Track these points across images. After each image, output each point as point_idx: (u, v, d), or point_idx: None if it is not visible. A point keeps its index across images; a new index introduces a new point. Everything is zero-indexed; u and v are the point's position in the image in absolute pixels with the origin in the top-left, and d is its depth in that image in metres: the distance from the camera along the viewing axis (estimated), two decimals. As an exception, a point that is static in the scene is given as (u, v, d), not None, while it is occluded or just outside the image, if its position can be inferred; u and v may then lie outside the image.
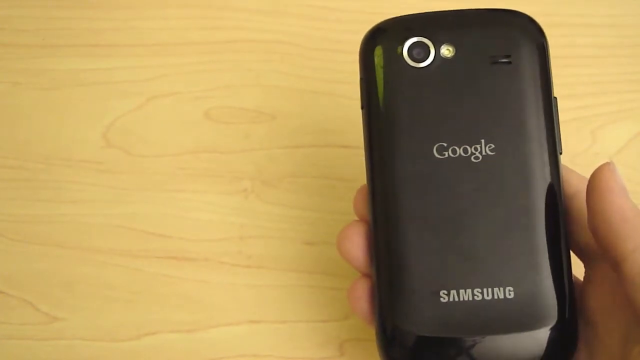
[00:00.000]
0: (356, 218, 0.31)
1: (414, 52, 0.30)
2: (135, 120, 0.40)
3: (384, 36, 0.30)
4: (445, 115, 0.29)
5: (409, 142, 0.29)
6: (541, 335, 0.27)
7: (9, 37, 0.42)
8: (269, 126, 0.40)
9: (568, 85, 0.39)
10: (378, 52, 0.30)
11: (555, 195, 0.29)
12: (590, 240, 0.28)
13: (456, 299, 0.28)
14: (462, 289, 0.28)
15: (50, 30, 0.42)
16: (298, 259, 0.38)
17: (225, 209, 0.39)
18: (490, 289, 0.28)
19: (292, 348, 0.36)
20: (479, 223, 0.28)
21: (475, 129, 0.29)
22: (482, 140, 0.29)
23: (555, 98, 0.30)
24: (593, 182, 0.27)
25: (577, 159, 0.38)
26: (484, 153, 0.29)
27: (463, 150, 0.29)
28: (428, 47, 0.30)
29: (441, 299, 0.28)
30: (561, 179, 0.29)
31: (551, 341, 0.27)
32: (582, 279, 0.30)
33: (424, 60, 0.30)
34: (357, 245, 0.30)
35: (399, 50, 0.30)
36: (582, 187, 0.28)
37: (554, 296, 0.28)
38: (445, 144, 0.29)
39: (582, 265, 0.30)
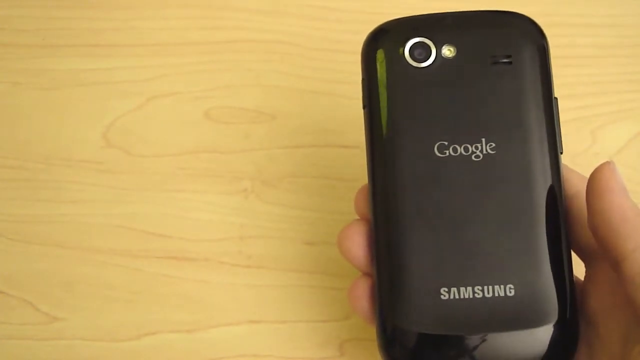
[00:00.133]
0: (357, 217, 0.31)
1: (416, 53, 0.30)
2: (135, 120, 0.40)
3: (385, 37, 0.30)
4: (446, 114, 0.29)
5: (410, 141, 0.29)
6: (542, 334, 0.27)
7: (9, 37, 0.42)
8: (269, 126, 0.40)
9: (568, 85, 0.39)
10: (380, 52, 0.30)
11: (555, 194, 0.29)
12: (591, 240, 0.28)
13: (457, 297, 0.28)
14: (462, 286, 0.28)
15: (50, 30, 0.42)
16: (298, 259, 0.38)
17: (225, 209, 0.39)
18: (490, 287, 0.28)
19: (292, 348, 0.36)
20: (480, 221, 0.28)
21: (476, 127, 0.29)
22: (483, 139, 0.29)
23: (556, 98, 0.30)
24: (593, 182, 0.27)
25: (577, 159, 0.38)
26: (484, 152, 0.29)
27: (464, 149, 0.29)
28: (429, 48, 0.30)
29: (442, 297, 0.28)
30: (562, 179, 0.29)
31: (552, 340, 0.27)
32: (582, 279, 0.30)
33: (425, 61, 0.30)
34: (357, 244, 0.30)
35: (401, 50, 0.30)
36: (583, 187, 0.28)
37: (555, 294, 0.28)
38: (446, 143, 0.29)
39: (583, 264, 0.30)
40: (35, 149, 0.40)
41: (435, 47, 0.30)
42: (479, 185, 0.29)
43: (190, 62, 0.41)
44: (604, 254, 0.27)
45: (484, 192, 0.29)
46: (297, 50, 0.41)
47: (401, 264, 0.29)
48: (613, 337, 0.28)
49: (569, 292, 0.28)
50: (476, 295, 0.28)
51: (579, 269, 0.30)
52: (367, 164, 0.30)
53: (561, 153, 0.29)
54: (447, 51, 0.30)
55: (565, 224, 0.29)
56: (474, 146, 0.29)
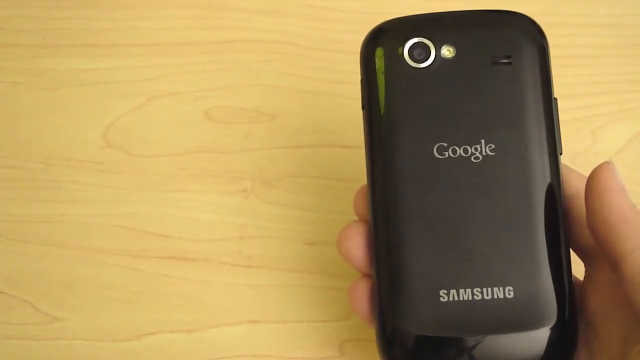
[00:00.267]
0: (356, 218, 0.31)
1: (415, 53, 0.30)
2: (135, 120, 0.40)
3: (384, 37, 0.30)
4: (445, 115, 0.29)
5: (410, 142, 0.29)
6: (541, 335, 0.27)
7: (9, 37, 0.42)
8: (269, 126, 0.40)
9: (568, 85, 0.39)
10: (379, 52, 0.30)
11: (555, 195, 0.29)
12: (591, 240, 0.28)
13: (456, 299, 0.28)
14: (461, 288, 0.28)
15: (50, 30, 0.42)
16: (298, 259, 0.38)
17: (225, 209, 0.39)
18: (490, 289, 0.28)
19: (292, 348, 0.36)
20: (479, 223, 0.28)
21: (476, 129, 0.29)
22: (482, 141, 0.29)
23: (556, 99, 0.30)
24: (592, 182, 0.27)
25: (577, 159, 0.38)
26: (484, 153, 0.29)
27: (463, 150, 0.29)
28: (429, 48, 0.30)
29: (441, 299, 0.28)
30: (561, 179, 0.29)
31: (551, 341, 0.27)
32: (582, 279, 0.30)
33: (424, 61, 0.30)
34: (357, 245, 0.30)
35: (400, 50, 0.30)
36: (583, 187, 0.28)
37: (554, 296, 0.28)
38: (445, 144, 0.29)
39: (583, 264, 0.30)
40: (35, 149, 0.40)
41: (435, 47, 0.30)
42: (479, 187, 0.29)
43: (190, 62, 0.41)
44: (603, 254, 0.27)
45: (483, 194, 0.29)
46: (297, 50, 0.41)
47: (400, 265, 0.29)
48: (612, 337, 0.28)
49: (568, 294, 0.28)
50: (475, 297, 0.28)
51: (578, 269, 0.30)
52: (366, 165, 0.30)
53: (560, 154, 0.29)
54: (447, 51, 0.30)
55: (565, 225, 0.29)
56: (473, 147, 0.29)
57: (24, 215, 0.39)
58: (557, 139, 0.29)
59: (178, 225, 0.38)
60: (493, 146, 0.29)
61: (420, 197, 0.29)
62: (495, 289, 0.28)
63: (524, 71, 0.29)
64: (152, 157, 0.39)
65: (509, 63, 0.29)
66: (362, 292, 0.30)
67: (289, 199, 0.39)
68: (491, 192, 0.29)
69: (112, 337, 0.37)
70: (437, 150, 0.29)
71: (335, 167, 0.39)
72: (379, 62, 0.30)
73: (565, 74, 0.39)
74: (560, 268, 0.28)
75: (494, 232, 0.28)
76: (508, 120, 0.29)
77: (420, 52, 0.30)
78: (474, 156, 0.29)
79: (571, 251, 0.29)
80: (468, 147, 0.29)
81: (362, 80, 0.31)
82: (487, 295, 0.28)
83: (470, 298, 0.28)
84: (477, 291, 0.28)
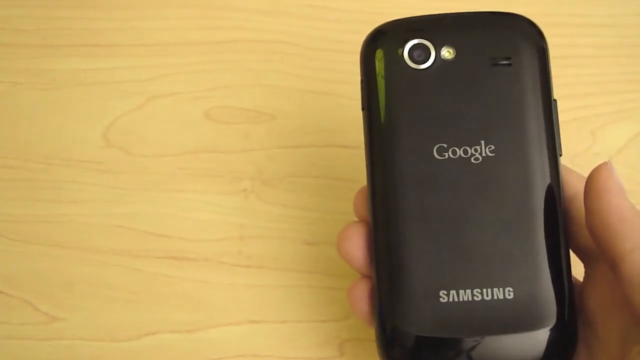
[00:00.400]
0: (356, 219, 0.31)
1: (415, 54, 0.30)
2: (135, 120, 0.40)
3: (384, 38, 0.30)
4: (445, 116, 0.29)
5: (409, 143, 0.29)
6: (540, 336, 0.27)
7: (9, 37, 0.42)
8: (269, 126, 0.40)
9: (568, 85, 0.39)
10: (379, 53, 0.30)
11: (554, 195, 0.29)
12: (590, 241, 0.28)
13: (456, 299, 0.28)
14: (461, 289, 0.28)
15: (50, 30, 0.42)
16: (298, 259, 0.38)
17: (225, 209, 0.39)
18: (489, 290, 0.28)
19: (292, 348, 0.36)
20: (479, 224, 0.28)
21: (475, 130, 0.29)
22: (482, 142, 0.29)
23: (555, 100, 0.30)
24: (591, 182, 0.27)
25: (577, 159, 0.38)
26: (483, 154, 0.29)
27: (463, 151, 0.29)
28: (428, 49, 0.30)
29: (441, 299, 0.28)
30: (561, 180, 0.29)
31: (550, 342, 0.27)
32: (581, 279, 0.30)
33: (424, 62, 0.30)
34: (356, 245, 0.30)
35: (400, 52, 0.30)
36: (582, 188, 0.28)
37: (554, 297, 0.28)
38: (445, 145, 0.29)
39: (582, 265, 0.30)
40: (35, 149, 0.40)
41: (435, 48, 0.30)
42: (478, 188, 0.29)
43: (190, 62, 0.41)
44: (602, 255, 0.27)
45: (483, 195, 0.29)
46: (297, 50, 0.41)
47: (400, 265, 0.29)
48: (612, 337, 0.28)
49: (567, 294, 0.28)
50: (475, 297, 0.28)
51: (578, 269, 0.30)
52: (366, 166, 0.30)
53: (560, 155, 0.29)
54: (447, 53, 0.30)
55: (564, 226, 0.29)
56: (473, 148, 0.29)
57: (24, 215, 0.39)
58: (556, 140, 0.29)
59: (178, 225, 0.38)
60: (493, 147, 0.29)
61: (420, 198, 0.29)
62: (495, 289, 0.28)
63: (524, 73, 0.29)
64: (152, 157, 0.39)
65: (509, 64, 0.29)
66: (361, 293, 0.30)
67: (289, 199, 0.39)
68: (491, 193, 0.29)
69: (112, 337, 0.37)
70: (437, 151, 0.29)
71: (335, 167, 0.39)
72: (379, 64, 0.30)
73: (565, 74, 0.39)
74: (559, 269, 0.28)
75: (494, 233, 0.28)
76: (508, 121, 0.29)
77: (420, 53, 0.30)
78: (473, 157, 0.29)
79: (571, 252, 0.29)
80: (468, 148, 0.29)
81: (362, 81, 0.31)
82: (487, 296, 0.28)
83: (470, 299, 0.28)
84: (477, 292, 0.28)
